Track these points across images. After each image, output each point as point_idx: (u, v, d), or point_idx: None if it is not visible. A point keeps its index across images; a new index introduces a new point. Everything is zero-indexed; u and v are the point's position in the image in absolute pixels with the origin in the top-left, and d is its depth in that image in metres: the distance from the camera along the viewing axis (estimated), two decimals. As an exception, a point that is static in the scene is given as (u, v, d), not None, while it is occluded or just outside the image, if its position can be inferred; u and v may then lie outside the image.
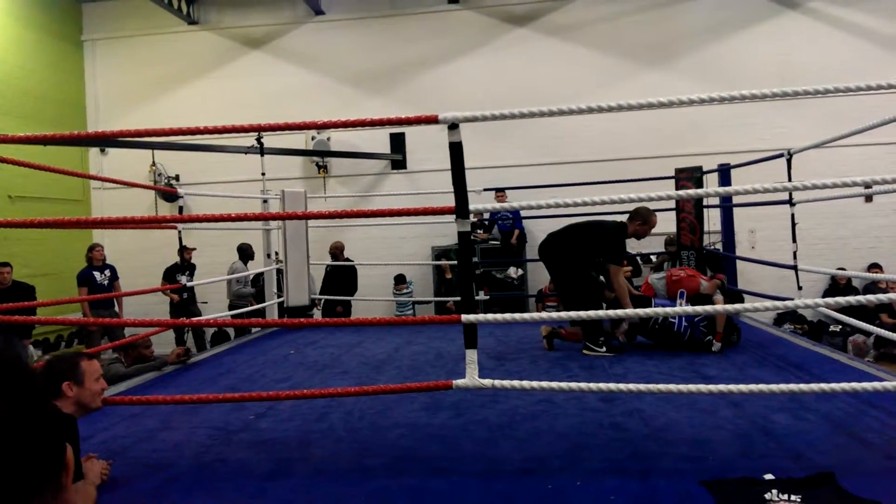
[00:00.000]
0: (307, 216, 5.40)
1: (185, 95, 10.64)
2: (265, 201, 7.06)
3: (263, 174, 7.10)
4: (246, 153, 7.89)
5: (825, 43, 9.49)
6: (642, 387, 2.61)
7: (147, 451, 3.01)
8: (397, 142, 10.33)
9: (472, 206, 2.65)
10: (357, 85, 10.45)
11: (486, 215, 9.74)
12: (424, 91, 10.21)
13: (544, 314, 2.64)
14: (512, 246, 9.52)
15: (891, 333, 3.66)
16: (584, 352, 4.88)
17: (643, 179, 7.33)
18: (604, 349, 4.86)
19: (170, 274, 8.47)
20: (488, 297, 8.28)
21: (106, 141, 9.23)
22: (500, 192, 8.68)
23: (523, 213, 9.21)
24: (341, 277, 8.66)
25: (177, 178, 10.44)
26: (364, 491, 2.45)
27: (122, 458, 2.86)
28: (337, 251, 8.77)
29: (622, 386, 2.58)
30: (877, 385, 2.95)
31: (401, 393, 2.92)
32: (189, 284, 7.15)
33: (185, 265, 7.40)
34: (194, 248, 8.67)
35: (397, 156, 10.38)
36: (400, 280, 9.62)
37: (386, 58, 10.40)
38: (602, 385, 2.59)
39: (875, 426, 2.95)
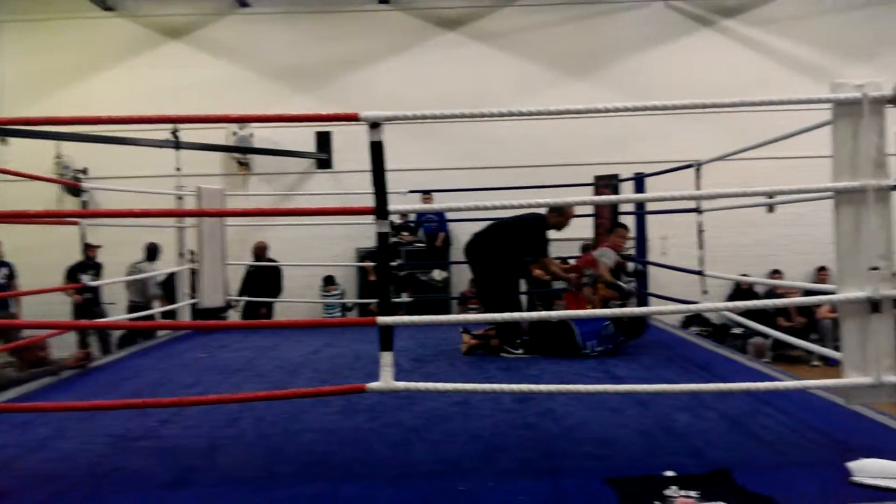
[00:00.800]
0: (223, 214, 5.23)
1: (99, 85, 10.10)
2: (180, 198, 6.78)
3: (178, 169, 6.82)
4: (161, 147, 7.56)
5: (736, 60, 10.05)
6: (552, 387, 2.66)
7: (38, 462, 2.82)
8: (323, 140, 10.17)
9: (391, 207, 2.62)
10: (283, 81, 10.23)
11: (412, 217, 9.74)
12: (352, 90, 10.11)
13: (461, 316, 2.65)
14: (437, 248, 9.56)
15: (785, 336, 3.90)
16: (502, 354, 4.94)
17: (564, 185, 7.48)
18: (520, 351, 4.94)
19: (72, 273, 7.98)
20: (412, 299, 8.28)
21: (6, 129, 8.62)
22: (426, 194, 8.70)
23: (449, 216, 9.27)
24: (264, 278, 8.44)
25: (84, 171, 9.88)
26: (271, 498, 2.38)
27: (10, 470, 2.68)
28: (260, 251, 8.53)
29: (533, 387, 2.62)
30: (770, 385, 3.14)
31: (315, 397, 2.85)
32: (91, 284, 6.77)
33: (88, 264, 7.00)
34: (99, 246, 8.20)
35: (323, 155, 10.22)
36: (329, 281, 9.49)
37: (313, 54, 10.23)
38: (514, 386, 2.63)
39: (769, 423, 3.12)
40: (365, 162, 2.65)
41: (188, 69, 10.06)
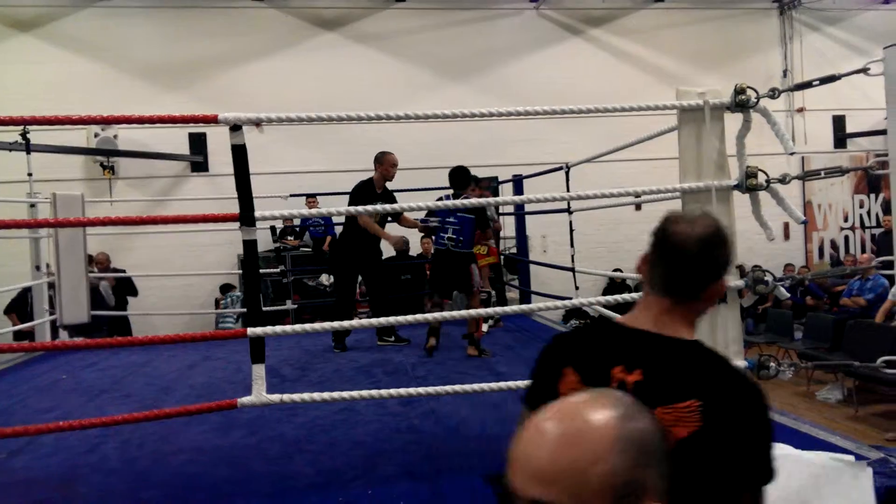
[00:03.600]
0: (82, 223, 4.84)
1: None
2: (33, 206, 6.20)
3: (30, 175, 6.24)
4: (9, 150, 6.87)
5: (604, 68, 10.63)
6: (430, 389, 2.68)
7: None
8: (198, 142, 9.67)
9: (258, 213, 2.53)
10: (150, 80, 9.60)
11: (297, 221, 9.50)
12: (227, 91, 9.68)
13: (335, 322, 2.60)
14: (324, 253, 9.36)
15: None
16: (378, 343, 5.24)
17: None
18: (392, 338, 5.25)
19: None
20: (296, 305, 8.06)
21: None
22: (310, 197, 8.51)
23: (336, 220, 9.11)
24: (117, 292, 7.90)
25: (-82, 177, 8.78)
26: (134, 527, 2.23)
27: None
28: (102, 263, 8.00)
29: (412, 390, 2.62)
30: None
31: (182, 416, 2.70)
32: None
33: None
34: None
35: (198, 157, 9.71)
36: (227, 289, 9.09)
37: (183, 52, 9.69)
38: (394, 390, 2.61)
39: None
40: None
41: (39, 66, 9.21)
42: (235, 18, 9.86)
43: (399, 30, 10.25)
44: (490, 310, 4.91)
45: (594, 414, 0.79)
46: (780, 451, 2.51)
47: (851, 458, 2.38)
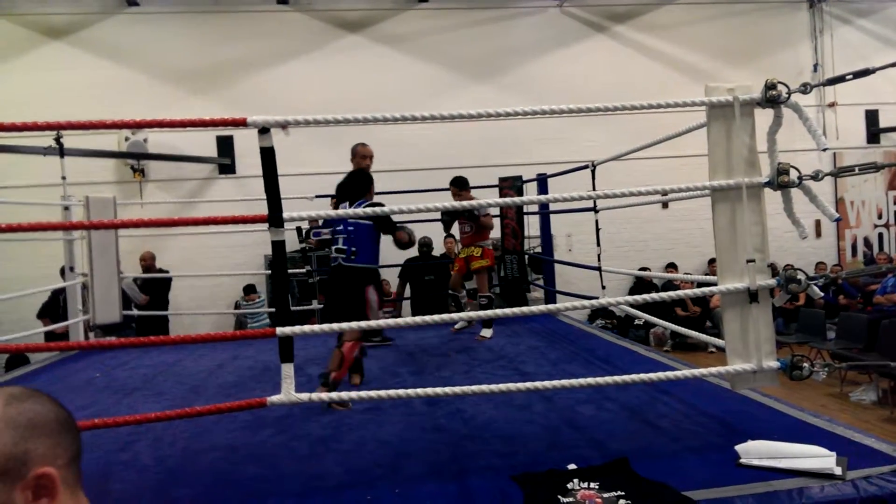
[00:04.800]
0: (114, 225, 4.94)
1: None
2: (66, 208, 6.34)
3: (64, 178, 6.38)
4: (44, 154, 7.04)
5: (628, 64, 10.53)
6: (456, 389, 2.68)
7: None
8: (225, 145, 9.81)
9: (285, 214, 2.55)
10: (177, 84, 9.77)
11: (321, 222, 9.58)
12: (252, 93, 9.80)
13: (363, 322, 2.61)
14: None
15: (676, 326, 4.10)
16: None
17: (471, 188, 7.61)
18: (378, 339, 5.25)
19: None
20: (322, 305, 8.11)
21: None
22: (335, 198, 8.56)
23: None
24: (154, 291, 8.03)
25: (-43, 181, 9.05)
26: (167, 524, 2.26)
27: None
28: (148, 262, 8.12)
29: (439, 390, 2.62)
30: (668, 374, 3.28)
31: (213, 414, 2.73)
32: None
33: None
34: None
35: (225, 160, 9.85)
36: (250, 290, 9.18)
37: (209, 56, 9.84)
38: (420, 390, 2.62)
39: (665, 411, 3.27)
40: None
41: (71, 71, 9.42)
42: (260, 22, 9.98)
43: (422, 30, 10.27)
44: (517, 309, 4.84)
45: None
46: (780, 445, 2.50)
47: (832, 456, 2.37)
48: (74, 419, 1.04)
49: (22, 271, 7.94)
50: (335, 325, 2.54)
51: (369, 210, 2.78)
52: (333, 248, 4.14)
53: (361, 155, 5.13)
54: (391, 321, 3.15)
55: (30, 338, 6.51)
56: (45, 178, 7.85)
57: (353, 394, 2.57)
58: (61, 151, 6.58)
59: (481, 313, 2.83)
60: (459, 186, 5.82)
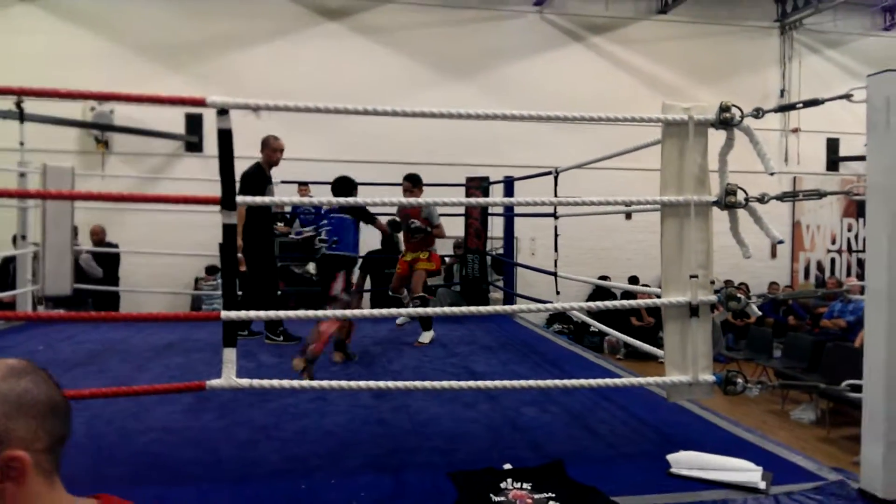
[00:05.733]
0: (70, 196, 4.82)
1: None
2: (22, 175, 6.17)
3: (22, 144, 6.20)
4: (4, 118, 6.83)
5: (603, 75, 10.68)
6: (402, 384, 2.69)
7: None
8: (194, 123, 9.66)
9: (240, 198, 2.53)
10: (151, 57, 9.57)
11: (288, 207, 9.50)
12: (229, 73, 9.66)
13: (310, 312, 2.60)
14: (312, 241, 9.34)
15: (622, 335, 4.19)
16: (266, 341, 5.14)
17: (438, 185, 7.60)
18: (281, 338, 5.13)
19: None
20: (281, 292, 8.05)
21: None
22: (302, 185, 8.50)
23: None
24: (104, 265, 7.86)
25: None
26: None
27: None
28: (97, 235, 7.95)
29: (382, 384, 2.63)
30: (608, 381, 3.35)
31: (149, 395, 2.70)
32: None
33: None
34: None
35: (193, 138, 9.69)
36: (211, 271, 9.08)
37: (186, 32, 9.66)
38: (363, 383, 2.63)
39: (605, 417, 3.34)
40: (241, 147, 2.57)
41: (40, 35, 9.17)
42: (240, 2, 9.84)
43: (402, 24, 10.25)
44: (473, 308, 4.87)
45: None
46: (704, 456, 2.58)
47: (759, 471, 2.46)
48: (69, 405, 1.01)
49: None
50: (279, 313, 2.52)
51: (343, 201, 2.78)
52: (317, 238, 4.78)
53: (273, 148, 5.23)
54: (346, 312, 3.15)
55: (-26, 305, 6.33)
56: (2, 142, 7.63)
57: (296, 382, 2.56)
58: (21, 116, 6.39)
59: (428, 310, 2.85)
60: (414, 183, 5.53)
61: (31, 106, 6.63)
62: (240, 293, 5.00)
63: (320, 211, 9.18)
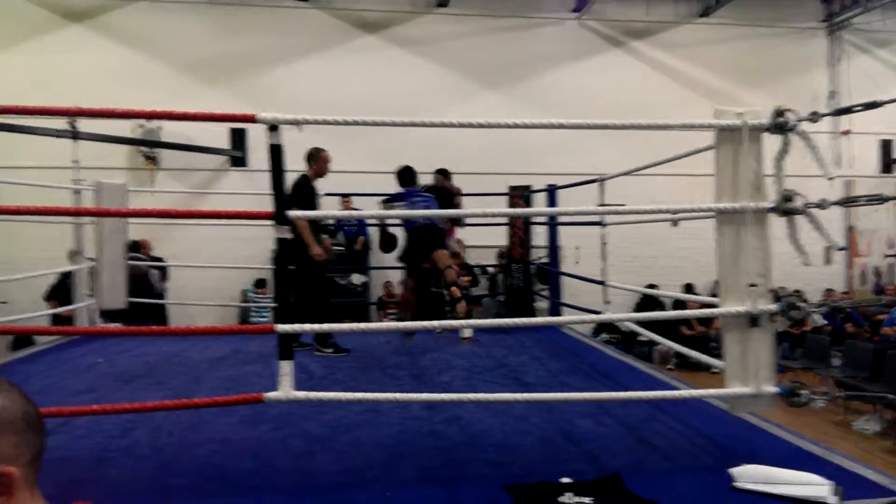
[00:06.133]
0: (126, 213, 4.98)
1: (-10, 67, 9.40)
2: (77, 192, 6.40)
3: (76, 162, 6.44)
4: (58, 136, 7.11)
5: (644, 80, 10.55)
6: (456, 396, 2.68)
7: None
8: (238, 137, 9.89)
9: (292, 213, 2.58)
10: (195, 74, 9.87)
11: (332, 220, 9.63)
12: (267, 88, 9.89)
13: (363, 324, 2.63)
14: (356, 252, 9.46)
15: (678, 346, 4.10)
16: (315, 353, 5.10)
17: (480, 194, 7.62)
18: (331, 350, 5.10)
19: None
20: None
21: None
22: (345, 197, 8.61)
23: (369, 220, 9.21)
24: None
25: (-28, 160, 9.15)
26: (160, 514, 2.28)
27: None
28: (143, 249, 8.18)
29: (436, 396, 2.63)
30: (668, 393, 3.29)
31: (209, 407, 2.76)
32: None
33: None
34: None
35: (237, 152, 9.93)
36: (261, 284, 9.30)
37: (227, 48, 9.93)
38: (419, 395, 2.63)
39: (662, 430, 3.26)
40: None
41: (89, 55, 9.55)
42: (279, 17, 10.07)
43: (440, 35, 10.32)
44: (522, 320, 4.82)
45: None
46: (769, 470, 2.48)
47: (828, 484, 2.35)
48: (41, 417, 1.03)
49: (32, 252, 8.01)
50: (335, 326, 2.55)
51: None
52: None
53: (325, 160, 5.33)
54: (399, 324, 3.18)
55: (36, 319, 6.59)
56: (57, 160, 7.93)
57: (351, 395, 2.58)
58: (75, 135, 6.64)
59: (482, 322, 2.84)
60: (445, 175, 6.24)
61: (83, 125, 6.90)
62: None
63: (363, 222, 9.35)
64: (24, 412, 0.98)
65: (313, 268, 5.18)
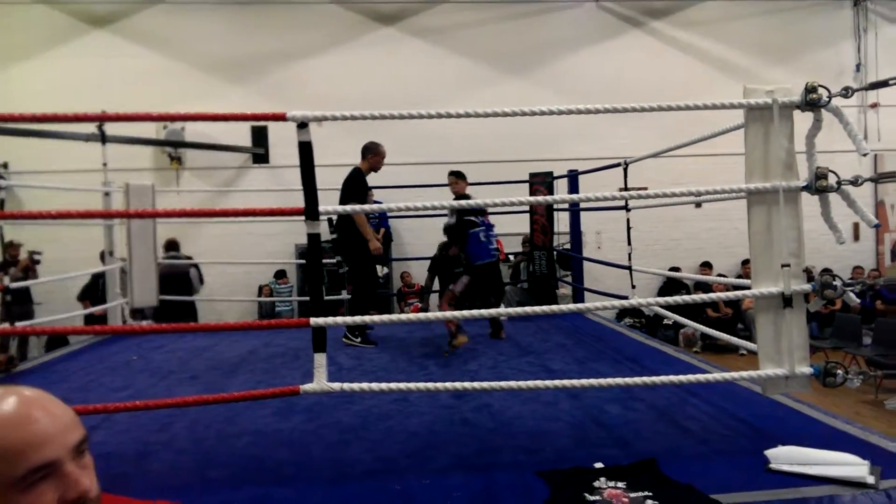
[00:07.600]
0: (153, 214, 5.06)
1: (18, 75, 9.58)
2: (107, 194, 6.52)
3: (105, 164, 6.56)
4: (86, 141, 7.24)
5: (664, 61, 10.40)
6: (485, 384, 2.71)
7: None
8: (259, 135, 9.97)
9: (321, 207, 2.60)
10: (215, 73, 9.95)
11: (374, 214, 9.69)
12: (288, 84, 9.94)
13: (393, 316, 2.65)
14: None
15: (707, 329, 4.07)
16: (344, 340, 5.16)
17: (501, 182, 7.60)
18: (359, 339, 5.15)
19: (-7, 274, 7.55)
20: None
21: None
22: (368, 190, 8.63)
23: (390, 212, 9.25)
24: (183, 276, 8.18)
25: (5, 165, 9.37)
26: (202, 504, 2.34)
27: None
28: (172, 247, 8.29)
29: (468, 384, 2.65)
30: (699, 377, 3.27)
31: (247, 401, 2.81)
32: (12, 286, 6.41)
33: (10, 263, 6.64)
34: (20, 245, 7.83)
35: (259, 149, 10.01)
36: (281, 274, 9.51)
37: (247, 46, 9.99)
38: (449, 384, 2.66)
39: (694, 413, 3.26)
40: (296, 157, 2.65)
41: (114, 59, 9.67)
42: (296, 14, 10.09)
43: (455, 23, 10.27)
44: (546, 307, 4.84)
45: None
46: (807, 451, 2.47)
47: (865, 464, 2.33)
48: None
49: (67, 253, 8.19)
50: (365, 318, 2.58)
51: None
52: (491, 247, 5.19)
53: (382, 155, 5.35)
54: (420, 315, 3.20)
55: (70, 319, 6.74)
56: (87, 163, 8.08)
57: (384, 385, 2.62)
58: (103, 139, 6.77)
59: (509, 311, 2.85)
60: (458, 177, 5.61)
61: (109, 128, 7.02)
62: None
63: (384, 214, 9.39)
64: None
65: (369, 261, 5.28)
